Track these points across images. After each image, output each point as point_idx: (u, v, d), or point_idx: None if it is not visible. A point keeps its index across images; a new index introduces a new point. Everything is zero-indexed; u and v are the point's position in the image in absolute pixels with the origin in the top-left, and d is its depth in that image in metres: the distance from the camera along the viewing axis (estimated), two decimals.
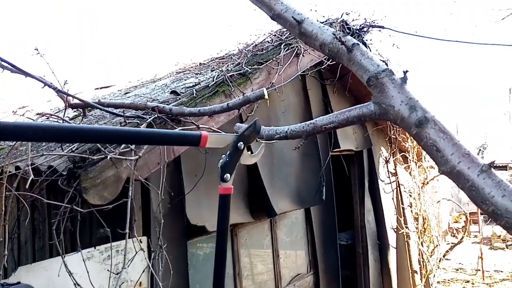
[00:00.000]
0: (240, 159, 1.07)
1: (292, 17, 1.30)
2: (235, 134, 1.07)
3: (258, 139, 1.17)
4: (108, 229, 1.94)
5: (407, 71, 1.11)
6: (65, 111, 2.07)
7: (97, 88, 6.82)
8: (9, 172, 1.72)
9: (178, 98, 2.68)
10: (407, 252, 5.85)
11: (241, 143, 1.06)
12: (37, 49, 2.24)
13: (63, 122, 2.03)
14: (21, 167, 1.97)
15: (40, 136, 0.79)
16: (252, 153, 1.13)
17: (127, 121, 2.17)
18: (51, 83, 2.18)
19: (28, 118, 2.27)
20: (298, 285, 3.99)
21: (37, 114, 1.88)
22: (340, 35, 1.16)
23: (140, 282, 2.25)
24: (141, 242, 2.18)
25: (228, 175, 1.05)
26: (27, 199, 1.91)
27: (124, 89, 5.37)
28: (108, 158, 1.78)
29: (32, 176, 1.53)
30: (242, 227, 3.40)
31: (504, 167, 14.33)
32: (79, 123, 2.11)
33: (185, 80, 3.80)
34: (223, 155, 1.06)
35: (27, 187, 1.54)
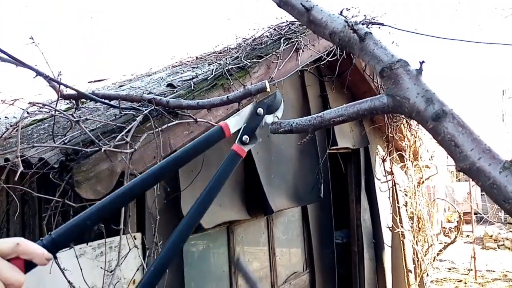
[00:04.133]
0: (261, 123, 1.02)
1: (301, 3, 1.23)
2: (251, 104, 1.02)
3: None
4: (103, 225, 1.86)
5: (423, 61, 1.05)
6: (57, 101, 1.98)
7: (91, 82, 6.70)
8: None
9: (175, 91, 2.60)
10: (402, 251, 5.83)
11: (260, 109, 1.01)
12: (32, 38, 2.15)
13: (55, 113, 1.94)
14: (10, 159, 1.89)
15: None
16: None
17: (123, 112, 2.09)
18: (43, 73, 2.10)
19: (20, 108, 2.18)
20: (294, 283, 3.94)
21: (29, 103, 1.79)
22: (352, 23, 1.10)
23: (134, 280, 2.18)
24: (135, 238, 2.11)
25: (247, 137, 0.98)
26: (16, 193, 1.82)
27: (119, 82, 5.27)
28: (102, 150, 1.70)
29: (21, 169, 1.45)
30: (239, 225, 3.33)
31: None
32: (72, 115, 2.02)
33: (182, 73, 3.72)
34: (243, 119, 1.00)
35: (15, 179, 1.46)
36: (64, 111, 2.79)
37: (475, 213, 12.17)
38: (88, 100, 2.90)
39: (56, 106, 1.94)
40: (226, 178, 0.96)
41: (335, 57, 3.92)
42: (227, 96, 1.98)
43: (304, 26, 3.59)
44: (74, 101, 2.49)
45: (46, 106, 1.90)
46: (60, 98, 2.16)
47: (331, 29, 1.17)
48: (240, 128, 0.98)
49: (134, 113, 2.11)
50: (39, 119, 3.13)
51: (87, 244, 2.00)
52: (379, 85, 4.96)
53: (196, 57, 4.99)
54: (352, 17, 4.23)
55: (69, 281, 1.58)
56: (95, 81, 6.70)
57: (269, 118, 1.06)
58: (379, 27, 4.23)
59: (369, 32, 1.12)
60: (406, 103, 1.04)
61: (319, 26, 1.21)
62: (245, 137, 0.98)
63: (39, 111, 2.27)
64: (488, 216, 13.63)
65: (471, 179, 0.98)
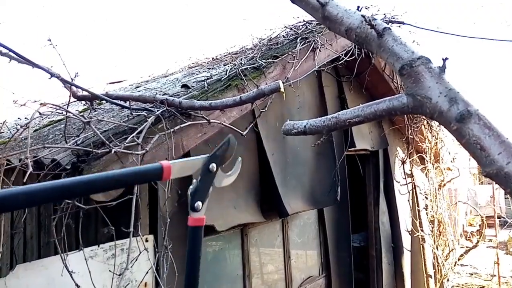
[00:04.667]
0: (213, 183, 0.92)
1: None
2: (204, 155, 0.91)
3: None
4: (113, 227, 1.84)
5: (446, 58, 0.98)
6: (69, 102, 1.97)
7: (110, 83, 6.77)
8: (7, 164, 1.63)
9: (188, 92, 2.57)
10: (422, 256, 5.68)
11: (213, 164, 0.91)
12: (50, 40, 2.15)
13: (66, 114, 1.93)
14: (25, 160, 1.88)
15: None
16: (226, 172, 0.96)
17: (134, 113, 2.07)
18: (57, 74, 2.09)
19: (30, 108, 2.18)
20: (310, 287, 3.86)
21: (40, 104, 1.78)
22: (369, 18, 1.03)
23: (146, 283, 2.15)
24: (147, 241, 2.08)
25: (200, 203, 0.88)
26: None
27: (135, 83, 5.29)
28: (112, 152, 1.67)
29: (31, 169, 1.43)
30: (253, 227, 3.28)
31: None
32: (88, 116, 2.01)
33: (197, 74, 3.70)
34: (194, 180, 0.90)
35: (24, 180, 1.44)
36: (81, 112, 2.80)
37: (498, 217, 11.82)
38: (104, 102, 2.90)
39: (68, 107, 1.93)
40: (199, 253, 0.89)
41: (353, 57, 3.83)
42: (240, 97, 1.93)
43: (322, 25, 3.51)
44: (88, 102, 2.49)
45: (57, 107, 1.89)
46: (72, 100, 2.15)
47: (347, 25, 1.11)
48: (190, 191, 0.89)
49: (145, 114, 2.08)
50: (55, 121, 3.15)
51: (98, 246, 1.98)
52: (399, 86, 4.83)
53: (212, 58, 4.97)
54: (371, 15, 4.13)
55: (76, 284, 1.56)
56: (113, 83, 6.77)
57: (221, 175, 0.93)
58: (400, 26, 4.12)
59: (387, 28, 1.05)
60: (428, 103, 0.97)
61: (334, 22, 1.15)
62: (197, 204, 0.88)
63: (54, 112, 2.27)
64: None
65: (498, 185, 0.90)
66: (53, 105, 1.89)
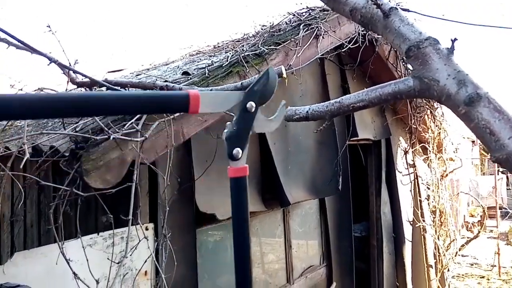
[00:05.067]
0: (253, 126, 0.76)
1: None
2: (239, 91, 0.76)
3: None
4: (111, 215, 1.81)
5: (455, 39, 0.94)
6: (67, 88, 1.93)
7: (110, 71, 6.72)
8: (5, 151, 1.61)
9: (189, 78, 2.53)
10: (423, 246, 5.67)
11: (251, 102, 0.75)
12: (49, 26, 2.11)
13: None
14: (22, 147, 1.85)
15: None
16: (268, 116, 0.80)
17: None
18: (56, 59, 2.05)
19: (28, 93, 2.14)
20: (310, 277, 3.86)
21: (38, 89, 1.75)
22: None
23: (146, 271, 2.14)
24: (146, 229, 2.06)
25: (239, 150, 0.74)
26: (26, 181, 1.79)
27: (136, 71, 5.24)
28: (111, 138, 1.64)
29: (28, 156, 1.41)
30: (254, 216, 3.26)
31: None
32: None
33: (198, 62, 3.65)
34: (228, 123, 0.76)
35: (21, 167, 1.42)
36: None
37: (500, 208, 11.81)
38: (104, 89, 2.86)
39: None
40: (245, 210, 0.75)
41: (357, 45, 3.77)
42: (241, 83, 1.89)
43: (325, 12, 3.45)
44: (88, 89, 2.45)
45: (54, 92, 1.86)
46: (72, 87, 2.11)
47: (352, 5, 1.07)
48: (225, 135, 0.75)
49: None
50: None
51: (97, 234, 1.96)
52: (403, 75, 4.77)
53: (214, 46, 4.90)
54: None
55: (74, 272, 1.54)
56: (114, 71, 6.71)
57: (261, 118, 0.77)
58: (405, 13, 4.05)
59: (394, 8, 1.01)
60: (435, 86, 0.93)
61: (338, 3, 1.10)
62: (237, 151, 0.74)
63: None
64: None
65: (508, 172, 0.87)
66: (51, 90, 1.85)
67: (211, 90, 2.07)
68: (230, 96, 0.75)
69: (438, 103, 0.93)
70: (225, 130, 0.75)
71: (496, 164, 12.63)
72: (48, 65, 2.12)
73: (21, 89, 1.73)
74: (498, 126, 0.85)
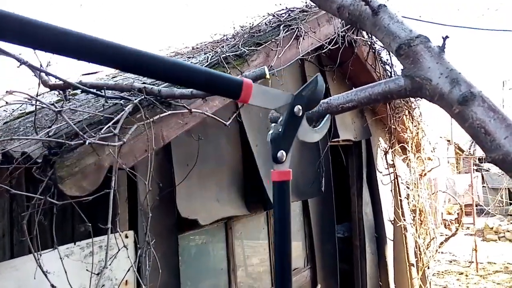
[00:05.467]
0: (298, 132, 0.75)
1: None
2: (287, 93, 0.74)
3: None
4: (90, 224, 1.73)
5: (446, 37, 0.91)
6: (38, 90, 1.83)
7: (84, 74, 6.54)
8: None
9: None
10: (404, 245, 5.72)
11: (299, 106, 0.74)
12: None
13: (36, 103, 1.80)
14: None
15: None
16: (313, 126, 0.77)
17: (110, 102, 1.95)
18: (26, 60, 1.95)
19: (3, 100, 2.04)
20: (295, 280, 3.82)
21: (6, 92, 1.65)
22: None
23: (126, 281, 2.05)
24: (127, 237, 1.98)
25: (284, 152, 0.74)
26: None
27: (112, 73, 5.11)
28: (87, 143, 1.56)
29: None
30: (237, 220, 3.21)
31: None
32: (54, 105, 1.88)
33: None
34: (273, 124, 0.74)
35: None
36: (56, 102, 2.65)
37: (476, 205, 12.08)
38: (79, 92, 2.75)
39: (37, 96, 1.79)
40: (288, 214, 0.74)
41: (337, 46, 3.77)
42: None
43: (305, 13, 3.43)
44: (61, 92, 2.35)
45: (25, 95, 1.76)
46: (45, 90, 2.01)
47: (339, 2, 1.03)
48: (270, 136, 0.72)
49: (122, 102, 1.96)
50: (27, 112, 2.98)
51: (74, 244, 1.87)
52: (382, 76, 4.81)
53: (193, 47, 4.83)
54: None
55: (52, 284, 1.45)
56: (88, 74, 6.54)
57: (306, 126, 0.74)
58: None
59: (383, 5, 0.98)
60: (427, 85, 0.90)
61: (325, 0, 1.07)
62: (281, 153, 0.74)
63: (22, 101, 2.13)
64: (489, 208, 13.55)
65: (504, 172, 0.84)
66: (21, 93, 1.75)
67: None
68: (280, 96, 0.74)
69: (431, 102, 0.90)
70: (270, 132, 0.73)
71: (471, 163, 12.91)
72: (18, 67, 2.02)
73: None
74: (493, 126, 0.83)
